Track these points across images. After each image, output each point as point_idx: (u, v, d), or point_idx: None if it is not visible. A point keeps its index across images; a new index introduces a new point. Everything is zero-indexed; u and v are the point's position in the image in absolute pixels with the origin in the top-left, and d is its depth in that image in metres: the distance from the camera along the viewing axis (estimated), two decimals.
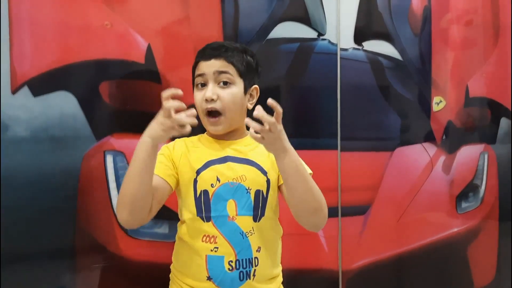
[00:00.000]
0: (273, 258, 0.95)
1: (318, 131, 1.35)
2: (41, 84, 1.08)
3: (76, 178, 1.11)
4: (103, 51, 1.13)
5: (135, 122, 1.16)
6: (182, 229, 0.94)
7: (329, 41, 1.34)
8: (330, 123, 1.36)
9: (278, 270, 0.98)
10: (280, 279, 0.98)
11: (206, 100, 0.90)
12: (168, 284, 0.98)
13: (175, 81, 1.18)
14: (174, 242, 0.97)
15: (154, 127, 0.81)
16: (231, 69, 0.91)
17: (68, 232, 1.11)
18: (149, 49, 1.17)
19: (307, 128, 1.34)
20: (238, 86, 0.92)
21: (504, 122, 1.61)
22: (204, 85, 0.92)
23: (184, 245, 0.92)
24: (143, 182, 0.82)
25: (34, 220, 1.08)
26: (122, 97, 1.15)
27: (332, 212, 1.37)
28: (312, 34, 1.33)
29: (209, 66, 0.91)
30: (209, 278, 0.89)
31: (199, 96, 0.92)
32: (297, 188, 0.85)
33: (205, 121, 0.93)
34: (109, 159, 1.15)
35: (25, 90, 1.07)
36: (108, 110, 1.14)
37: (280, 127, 0.79)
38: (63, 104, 1.10)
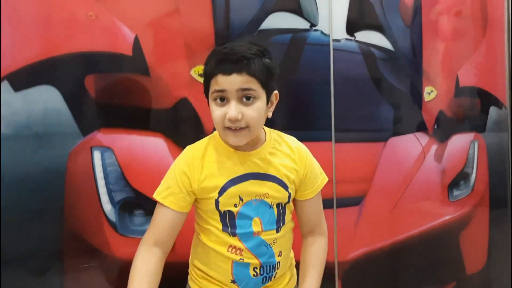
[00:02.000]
0: (290, 253, 0.99)
1: (312, 122, 1.34)
2: (22, 79, 1.04)
3: (62, 177, 1.07)
4: (88, 43, 1.09)
5: (124, 116, 1.13)
6: (205, 234, 0.92)
7: (322, 32, 1.33)
8: (324, 114, 1.35)
9: (291, 255, 1.01)
10: (293, 262, 1.02)
11: (230, 120, 0.82)
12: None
13: (164, 74, 1.15)
14: None
15: None
16: (254, 83, 0.82)
17: (55, 233, 1.07)
18: (136, 40, 1.12)
19: (301, 120, 1.33)
20: (261, 99, 0.84)
21: (493, 111, 1.64)
22: (223, 99, 0.83)
23: (208, 248, 0.91)
24: None
25: (20, 221, 1.04)
26: (109, 90, 1.11)
27: (327, 204, 1.37)
28: (304, 24, 1.31)
29: (231, 83, 0.81)
30: (233, 281, 0.90)
31: (219, 112, 0.83)
32: None
33: (225, 133, 0.85)
34: (97, 156, 1.11)
35: (5, 84, 1.02)
36: (94, 104, 1.10)
37: None
38: (47, 99, 1.05)
